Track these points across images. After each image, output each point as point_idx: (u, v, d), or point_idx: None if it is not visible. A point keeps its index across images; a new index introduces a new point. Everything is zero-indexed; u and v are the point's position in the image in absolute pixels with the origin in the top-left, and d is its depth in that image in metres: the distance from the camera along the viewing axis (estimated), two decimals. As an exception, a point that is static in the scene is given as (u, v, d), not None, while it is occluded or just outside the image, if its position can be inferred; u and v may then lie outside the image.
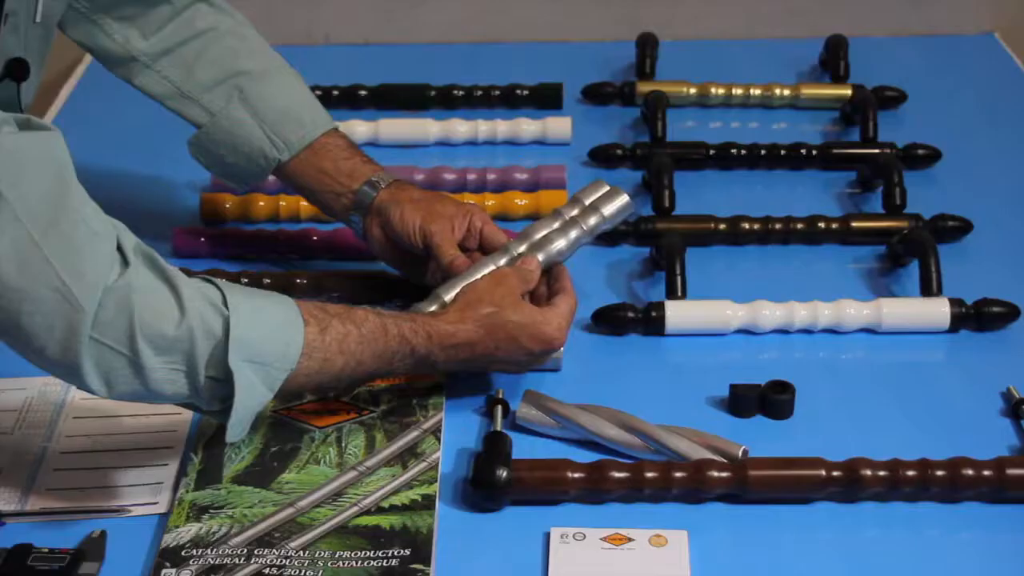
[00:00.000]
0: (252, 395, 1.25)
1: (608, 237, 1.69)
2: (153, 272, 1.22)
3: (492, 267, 1.46)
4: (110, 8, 1.55)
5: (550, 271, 1.48)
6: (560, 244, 1.50)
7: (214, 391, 1.25)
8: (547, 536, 1.28)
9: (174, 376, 1.22)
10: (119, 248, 1.20)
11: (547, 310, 1.41)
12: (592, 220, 1.51)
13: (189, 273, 1.27)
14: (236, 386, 1.23)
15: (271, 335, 1.26)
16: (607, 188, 1.53)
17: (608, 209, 1.52)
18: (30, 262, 1.16)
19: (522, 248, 1.49)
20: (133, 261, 1.20)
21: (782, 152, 1.85)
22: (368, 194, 1.53)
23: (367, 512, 1.30)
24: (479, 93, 2.00)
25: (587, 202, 1.52)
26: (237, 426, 1.26)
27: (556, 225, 1.51)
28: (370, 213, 1.54)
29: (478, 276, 1.45)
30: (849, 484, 1.30)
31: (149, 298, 1.20)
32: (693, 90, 2.01)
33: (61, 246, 1.16)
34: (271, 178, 1.71)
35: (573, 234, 1.50)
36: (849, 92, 1.98)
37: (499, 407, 1.41)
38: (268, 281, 1.60)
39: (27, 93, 1.44)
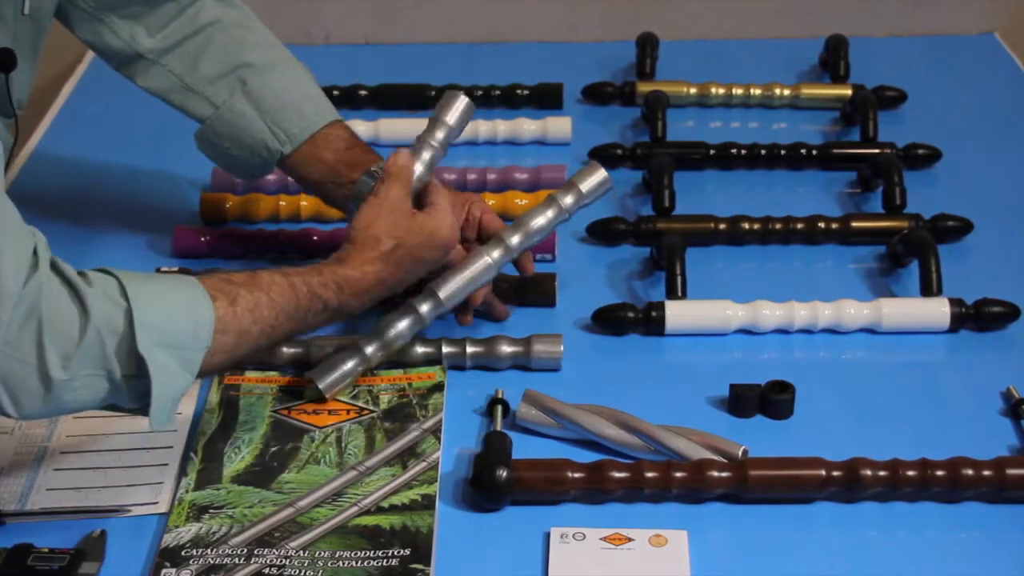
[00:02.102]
0: (170, 379, 1.23)
1: (608, 237, 1.69)
2: (58, 278, 1.19)
3: (486, 257, 1.46)
4: (116, 6, 1.55)
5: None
6: (540, 221, 1.49)
7: (134, 388, 1.22)
8: (547, 536, 1.28)
9: (91, 382, 1.20)
10: (34, 254, 1.17)
11: (433, 213, 1.44)
12: (569, 198, 1.50)
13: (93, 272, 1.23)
14: (151, 371, 1.20)
15: (178, 316, 1.24)
16: (601, 170, 1.51)
17: (585, 185, 1.51)
18: None
19: (517, 237, 1.48)
20: (42, 266, 1.17)
21: (782, 152, 1.85)
22: (367, 183, 1.53)
23: (367, 512, 1.30)
24: (479, 93, 2.00)
25: (580, 185, 1.51)
26: (160, 412, 1.23)
27: (551, 213, 1.50)
28: None
29: (473, 267, 1.45)
30: (849, 484, 1.30)
31: (55, 306, 1.17)
32: (693, 90, 2.01)
33: None
34: (271, 177, 1.71)
35: (551, 213, 1.50)
36: (849, 92, 1.98)
37: (499, 407, 1.41)
38: (268, 281, 1.60)
39: (19, 87, 1.44)
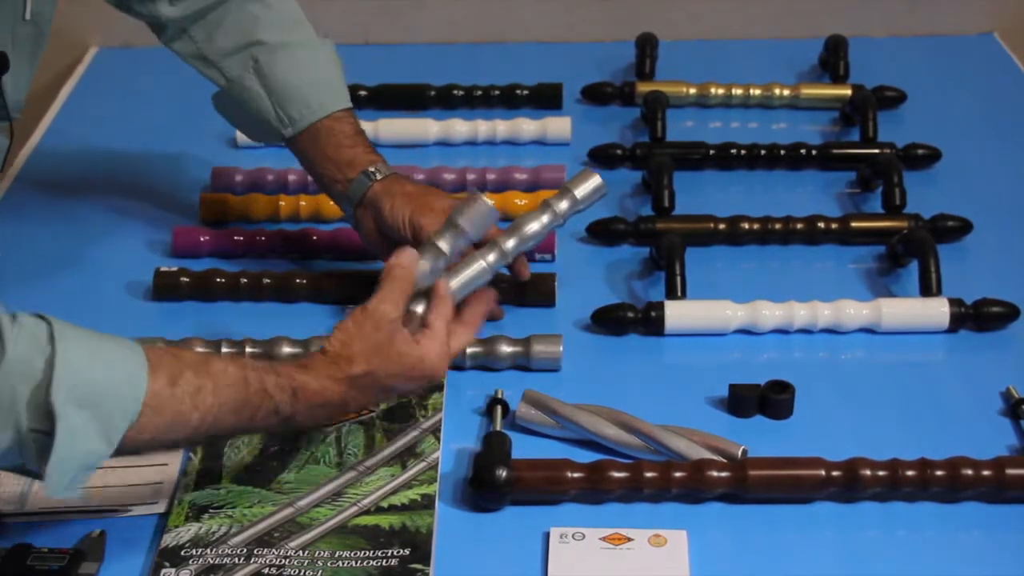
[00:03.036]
0: (81, 443, 1.11)
1: (608, 237, 1.69)
2: None
3: (481, 261, 1.45)
4: None
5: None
6: (534, 227, 1.48)
7: (40, 444, 1.11)
8: (547, 536, 1.28)
9: None
10: None
11: (424, 340, 1.32)
12: (564, 203, 1.50)
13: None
14: (58, 427, 1.09)
15: (107, 377, 1.13)
16: (596, 176, 1.51)
17: (580, 191, 1.50)
18: None
19: (512, 241, 1.48)
20: None
21: (782, 152, 1.85)
22: (363, 184, 1.53)
23: (367, 512, 1.30)
24: (479, 93, 2.00)
25: (575, 191, 1.51)
26: (58, 476, 1.11)
27: (545, 218, 1.50)
28: (363, 204, 1.54)
29: (468, 271, 1.43)
30: (849, 484, 1.30)
31: None
32: (693, 90, 2.01)
33: None
34: (270, 178, 1.72)
35: (546, 218, 1.49)
36: (849, 92, 1.98)
37: (499, 407, 1.41)
38: (268, 281, 1.60)
39: (15, 90, 1.44)
